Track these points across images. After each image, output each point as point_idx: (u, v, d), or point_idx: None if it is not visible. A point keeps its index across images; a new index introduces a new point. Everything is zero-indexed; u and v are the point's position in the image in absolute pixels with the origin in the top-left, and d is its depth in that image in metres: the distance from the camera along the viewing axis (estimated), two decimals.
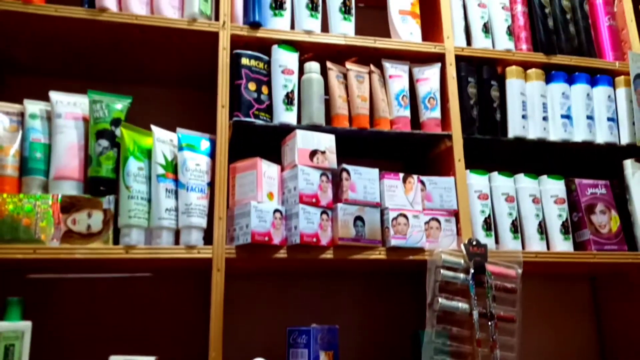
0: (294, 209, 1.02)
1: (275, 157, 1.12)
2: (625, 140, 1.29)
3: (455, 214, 1.14)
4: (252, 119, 1.09)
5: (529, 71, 1.28)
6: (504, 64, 1.28)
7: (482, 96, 1.24)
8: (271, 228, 0.99)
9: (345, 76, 1.19)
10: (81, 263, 1.01)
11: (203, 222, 1.01)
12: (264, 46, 1.15)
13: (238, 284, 1.23)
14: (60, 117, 1.00)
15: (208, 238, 1.01)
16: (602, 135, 1.28)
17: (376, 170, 1.10)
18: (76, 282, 1.17)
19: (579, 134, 1.27)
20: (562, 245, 1.19)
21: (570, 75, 1.30)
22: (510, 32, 1.29)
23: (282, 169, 1.09)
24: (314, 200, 1.03)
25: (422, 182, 1.14)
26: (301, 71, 1.16)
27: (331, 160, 1.08)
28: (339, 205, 1.05)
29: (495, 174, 1.21)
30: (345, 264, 1.13)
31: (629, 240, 1.23)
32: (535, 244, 1.18)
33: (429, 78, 1.23)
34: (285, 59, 1.14)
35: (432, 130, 1.20)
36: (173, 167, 1.02)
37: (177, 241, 1.00)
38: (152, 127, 1.03)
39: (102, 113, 1.01)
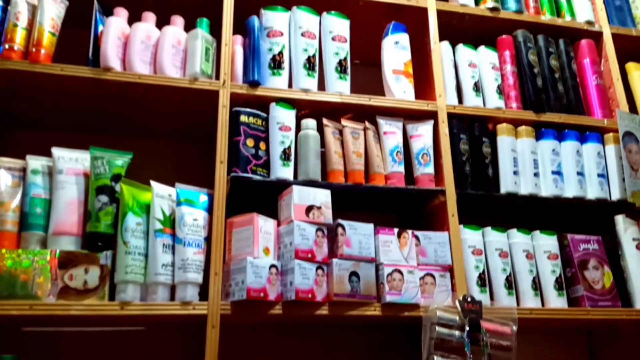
0: (290, 264, 1.03)
1: (273, 210, 1.13)
2: (615, 196, 1.31)
3: (450, 270, 1.15)
4: (250, 175, 1.11)
5: (519, 128, 1.31)
6: (494, 121, 1.32)
7: (474, 152, 1.27)
8: (267, 284, 1.00)
9: (341, 132, 1.23)
10: (77, 318, 1.00)
11: (199, 278, 1.01)
12: (263, 103, 1.18)
13: (233, 337, 1.22)
14: (62, 173, 1.02)
15: (204, 293, 1.01)
16: (592, 191, 1.31)
17: (371, 226, 1.12)
18: (71, 335, 1.17)
19: (570, 190, 1.29)
20: (556, 301, 1.19)
21: (560, 132, 1.34)
22: (500, 90, 1.34)
23: (279, 224, 1.10)
24: (309, 255, 1.04)
25: (417, 237, 1.16)
26: (298, 127, 1.19)
27: (327, 216, 1.10)
28: (335, 260, 1.06)
29: (488, 229, 1.22)
30: (341, 319, 1.13)
31: (622, 296, 1.23)
32: (530, 300, 1.18)
33: (422, 135, 1.26)
34: (282, 116, 1.17)
35: (426, 186, 1.22)
36: (171, 222, 1.04)
37: (172, 296, 1.01)
38: (152, 182, 1.05)
39: (102, 169, 1.03)
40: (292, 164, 1.16)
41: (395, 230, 1.14)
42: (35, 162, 1.03)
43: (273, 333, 1.27)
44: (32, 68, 1.06)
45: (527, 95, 1.35)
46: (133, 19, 1.17)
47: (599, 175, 1.32)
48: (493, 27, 1.41)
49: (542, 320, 1.18)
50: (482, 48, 1.38)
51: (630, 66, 1.49)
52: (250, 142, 1.14)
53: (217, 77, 1.17)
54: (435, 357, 1.00)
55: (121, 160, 1.06)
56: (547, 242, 1.24)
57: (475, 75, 1.34)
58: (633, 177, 1.30)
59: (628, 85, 1.48)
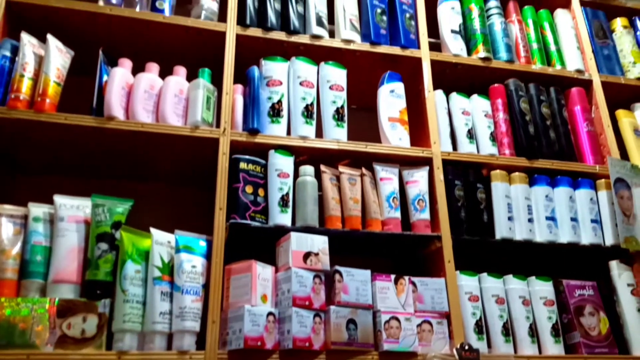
0: (287, 312, 1.03)
1: (270, 255, 1.14)
2: (609, 241, 1.33)
3: (447, 316, 1.15)
4: (249, 221, 1.13)
5: (512, 175, 1.34)
6: (488, 167, 1.34)
7: (469, 198, 1.29)
8: (264, 332, 1.00)
9: (338, 178, 1.25)
10: None
11: (196, 326, 1.02)
12: (262, 150, 1.21)
13: None
14: (63, 221, 1.04)
15: (201, 342, 1.01)
16: (586, 237, 1.32)
17: (368, 272, 1.13)
18: None
19: (564, 236, 1.31)
20: (553, 348, 1.19)
21: (552, 178, 1.37)
22: (494, 137, 1.37)
23: (277, 270, 1.11)
24: (307, 302, 1.05)
25: (414, 283, 1.17)
26: (296, 173, 1.22)
27: (324, 262, 1.11)
28: (332, 308, 1.06)
29: (484, 275, 1.23)
30: None
31: (619, 342, 1.23)
32: (527, 348, 1.18)
33: (418, 181, 1.29)
34: (281, 163, 1.20)
35: (422, 232, 1.24)
36: (169, 270, 1.05)
37: (170, 344, 1.01)
38: (151, 229, 1.07)
39: (103, 217, 1.05)
40: (290, 210, 1.17)
41: (393, 276, 1.15)
42: (37, 210, 1.05)
43: None
44: (37, 117, 1.09)
45: (520, 142, 1.38)
46: (137, 68, 1.21)
47: (593, 221, 1.34)
48: (485, 76, 1.46)
49: None
50: (475, 96, 1.42)
51: (620, 113, 1.53)
52: (249, 189, 1.16)
53: (218, 125, 1.20)
54: None
55: (122, 208, 1.08)
56: (543, 288, 1.25)
57: (468, 123, 1.37)
58: (625, 223, 1.32)
59: (619, 131, 1.52)
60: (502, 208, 1.29)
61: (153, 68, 1.22)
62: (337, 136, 1.26)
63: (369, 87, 1.42)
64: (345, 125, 1.28)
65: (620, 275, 1.29)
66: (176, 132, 1.16)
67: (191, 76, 1.24)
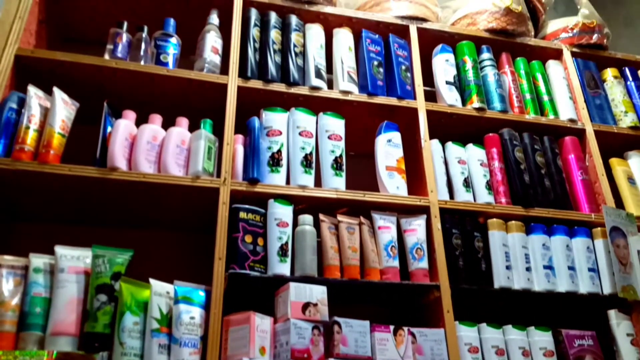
0: None
1: (270, 304, 1.14)
2: (607, 290, 1.33)
3: None
4: (248, 271, 1.13)
5: (509, 223, 1.35)
6: (485, 215, 1.36)
7: (466, 247, 1.30)
8: None
9: (336, 227, 1.26)
10: None
11: None
12: (261, 199, 1.23)
13: None
14: (63, 272, 1.04)
15: None
16: (584, 286, 1.33)
17: (367, 323, 1.13)
18: None
19: (562, 285, 1.31)
20: None
21: (549, 226, 1.38)
22: (490, 186, 1.40)
23: (275, 321, 1.11)
24: (305, 355, 1.04)
25: (413, 334, 1.16)
26: (295, 222, 1.23)
27: (323, 313, 1.11)
28: None
29: (484, 325, 1.23)
30: None
31: None
32: None
33: (415, 229, 1.30)
34: (280, 213, 1.21)
35: (421, 281, 1.24)
36: (168, 321, 1.04)
37: None
38: (151, 280, 1.07)
39: (103, 267, 1.05)
40: (289, 259, 1.18)
41: (391, 327, 1.14)
42: (38, 261, 1.05)
43: None
44: (41, 168, 1.11)
45: (516, 191, 1.40)
46: (141, 119, 1.24)
47: (590, 270, 1.34)
48: (480, 125, 1.49)
49: None
50: (470, 145, 1.45)
51: (614, 162, 1.56)
52: (248, 238, 1.17)
53: (219, 174, 1.22)
54: None
55: (121, 258, 1.09)
56: (542, 339, 1.24)
57: (464, 172, 1.40)
58: (622, 271, 1.33)
59: (613, 178, 1.54)
60: (499, 257, 1.30)
61: (156, 119, 1.25)
62: (335, 185, 1.28)
63: (367, 134, 1.46)
64: (344, 174, 1.31)
65: (619, 324, 1.29)
66: (177, 182, 1.17)
67: (193, 126, 1.27)
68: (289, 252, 1.19)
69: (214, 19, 1.41)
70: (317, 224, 1.24)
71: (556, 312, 1.41)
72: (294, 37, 1.43)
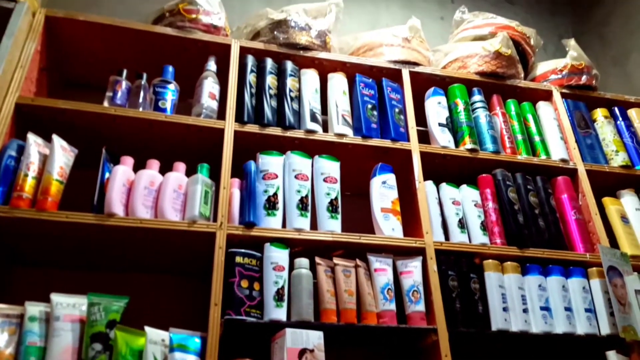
0: None
1: (266, 350, 1.13)
2: (605, 330, 1.32)
3: None
4: (244, 317, 1.13)
5: (505, 264, 1.36)
6: (480, 256, 1.36)
7: (463, 289, 1.30)
8: None
9: (333, 270, 1.26)
10: None
11: None
12: (258, 242, 1.23)
13: None
14: (59, 320, 1.04)
15: None
16: (581, 327, 1.32)
17: None
18: None
19: (559, 326, 1.31)
20: None
21: (544, 267, 1.38)
22: (484, 226, 1.40)
23: None
24: None
25: None
26: (291, 265, 1.23)
27: (319, 359, 1.10)
28: None
29: None
30: None
31: None
32: None
33: (411, 271, 1.30)
34: (276, 256, 1.22)
35: (418, 324, 1.24)
36: None
37: None
38: (146, 328, 1.07)
39: (99, 315, 1.05)
40: (285, 304, 1.18)
41: None
42: (34, 309, 1.05)
43: None
44: (39, 216, 1.12)
45: (510, 231, 1.41)
46: (139, 164, 1.25)
47: (587, 310, 1.34)
48: (473, 166, 1.51)
49: None
50: (464, 186, 1.46)
51: (607, 201, 1.57)
52: (244, 283, 1.17)
53: (215, 219, 1.23)
54: None
55: (117, 306, 1.08)
56: None
57: (459, 212, 1.41)
58: (622, 312, 1.32)
59: (606, 217, 1.55)
60: (496, 298, 1.29)
61: (154, 165, 1.26)
62: (331, 228, 1.29)
63: (361, 174, 1.47)
64: (339, 216, 1.32)
65: None
66: (174, 227, 1.18)
67: (191, 169, 1.28)
68: (285, 297, 1.19)
69: (212, 65, 1.45)
70: (313, 267, 1.24)
71: (554, 354, 1.40)
72: (290, 82, 1.46)
